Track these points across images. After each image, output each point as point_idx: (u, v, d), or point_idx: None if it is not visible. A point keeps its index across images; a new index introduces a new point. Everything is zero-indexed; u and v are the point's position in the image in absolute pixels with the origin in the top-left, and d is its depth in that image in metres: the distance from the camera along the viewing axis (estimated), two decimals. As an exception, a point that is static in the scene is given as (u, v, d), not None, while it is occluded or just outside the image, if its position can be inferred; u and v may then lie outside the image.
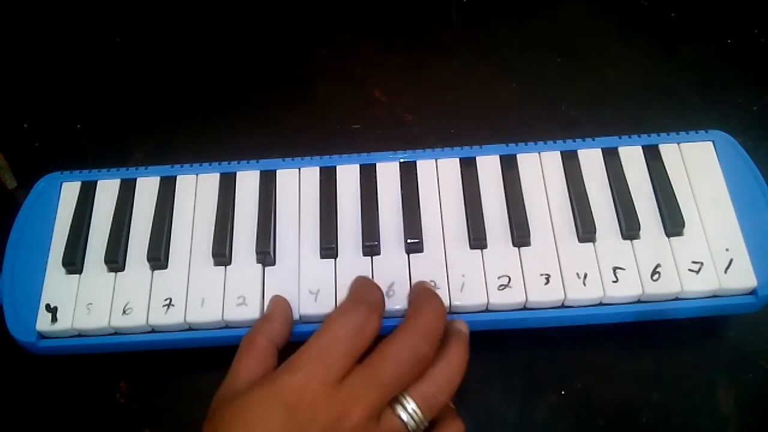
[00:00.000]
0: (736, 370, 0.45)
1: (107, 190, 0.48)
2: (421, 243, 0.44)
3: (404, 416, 0.36)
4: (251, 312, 0.43)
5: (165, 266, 0.45)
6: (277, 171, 0.48)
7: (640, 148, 0.47)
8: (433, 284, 0.43)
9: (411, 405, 0.36)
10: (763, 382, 0.45)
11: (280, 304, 0.42)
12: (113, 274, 0.45)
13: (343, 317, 0.37)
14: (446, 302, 0.42)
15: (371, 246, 0.44)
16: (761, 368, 0.45)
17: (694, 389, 0.45)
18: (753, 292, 0.42)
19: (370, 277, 0.44)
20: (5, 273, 0.46)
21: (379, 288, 0.41)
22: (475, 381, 0.45)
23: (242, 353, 0.38)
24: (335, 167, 0.48)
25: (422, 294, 0.41)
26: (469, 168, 0.47)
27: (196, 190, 0.48)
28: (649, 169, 0.47)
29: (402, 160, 0.48)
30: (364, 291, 0.40)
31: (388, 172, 0.47)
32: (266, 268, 0.45)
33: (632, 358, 0.46)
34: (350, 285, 0.42)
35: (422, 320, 0.38)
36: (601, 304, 0.43)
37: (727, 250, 0.43)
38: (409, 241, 0.44)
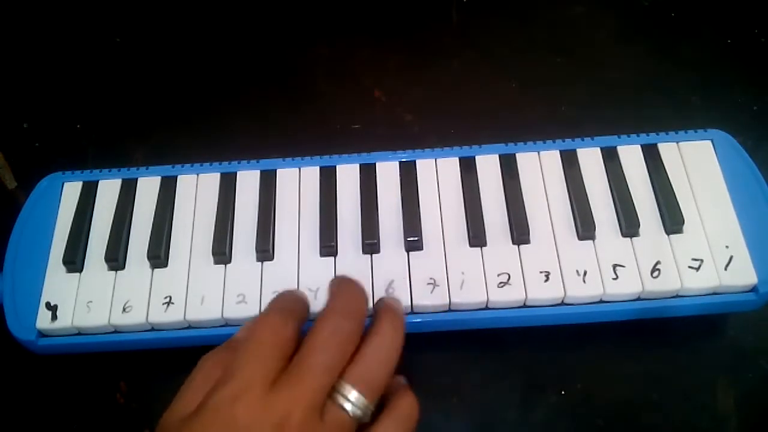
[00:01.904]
0: (736, 369, 0.45)
1: (108, 190, 0.48)
2: (420, 241, 0.44)
3: (347, 406, 0.34)
4: (251, 310, 0.43)
5: (165, 264, 0.45)
6: (277, 171, 0.48)
7: (640, 147, 0.47)
8: (432, 281, 0.43)
9: (351, 393, 0.34)
10: (763, 382, 0.45)
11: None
12: (113, 272, 0.45)
13: (258, 329, 0.36)
14: (446, 300, 0.43)
15: (371, 244, 0.44)
16: (761, 368, 0.45)
17: (694, 389, 0.45)
18: (753, 289, 0.42)
19: (370, 275, 0.44)
20: (6, 272, 0.46)
21: (300, 297, 0.39)
22: (475, 381, 0.45)
23: (195, 377, 0.36)
24: (335, 167, 0.48)
25: (336, 281, 0.39)
26: (468, 167, 0.47)
27: (197, 189, 0.48)
28: (648, 168, 0.47)
29: (402, 160, 0.48)
30: (284, 300, 0.39)
31: (388, 172, 0.48)
32: (266, 267, 0.45)
33: (632, 358, 0.46)
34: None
35: (338, 301, 0.37)
36: (601, 301, 0.43)
37: (727, 247, 0.43)
38: (408, 238, 0.44)
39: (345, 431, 0.34)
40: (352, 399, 0.34)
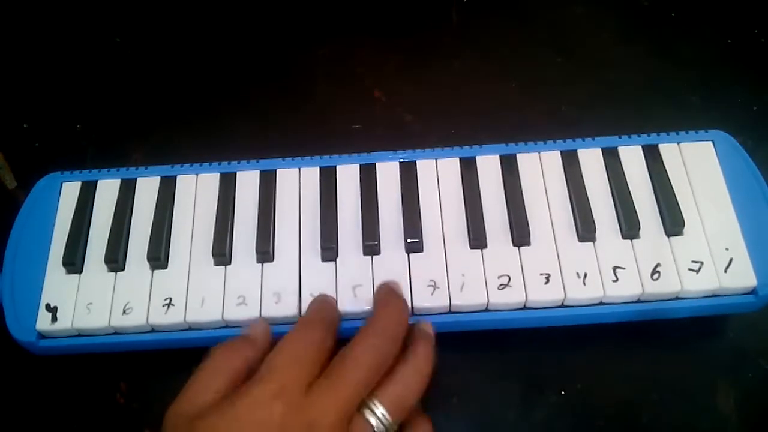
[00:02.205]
0: (736, 370, 0.45)
1: (107, 190, 0.48)
2: (421, 242, 0.44)
3: (373, 421, 0.35)
4: (251, 312, 0.43)
5: (165, 266, 0.45)
6: (277, 171, 0.48)
7: (640, 147, 0.47)
8: (433, 283, 0.43)
9: (379, 409, 0.36)
10: (763, 382, 0.45)
11: (263, 330, 0.41)
12: (113, 273, 0.45)
13: (301, 333, 0.38)
14: (446, 302, 0.43)
15: (371, 245, 0.44)
16: (761, 368, 0.45)
17: (694, 389, 0.45)
18: (753, 292, 0.42)
19: (371, 277, 0.44)
20: (5, 273, 0.46)
21: (336, 306, 0.42)
22: (475, 381, 0.46)
23: (214, 367, 0.37)
24: (335, 167, 0.48)
25: (383, 295, 0.41)
26: (469, 168, 0.47)
27: (196, 189, 0.48)
28: (648, 169, 0.47)
29: (402, 160, 0.48)
30: (325, 310, 0.41)
31: (388, 172, 0.48)
32: (266, 268, 0.45)
33: (632, 358, 0.46)
34: (308, 304, 0.42)
35: (381, 321, 0.39)
36: (601, 303, 0.43)
37: (727, 249, 0.43)
38: (409, 240, 0.44)
39: None
40: (379, 415, 0.36)
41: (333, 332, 0.39)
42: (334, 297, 0.43)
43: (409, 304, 0.43)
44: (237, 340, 0.39)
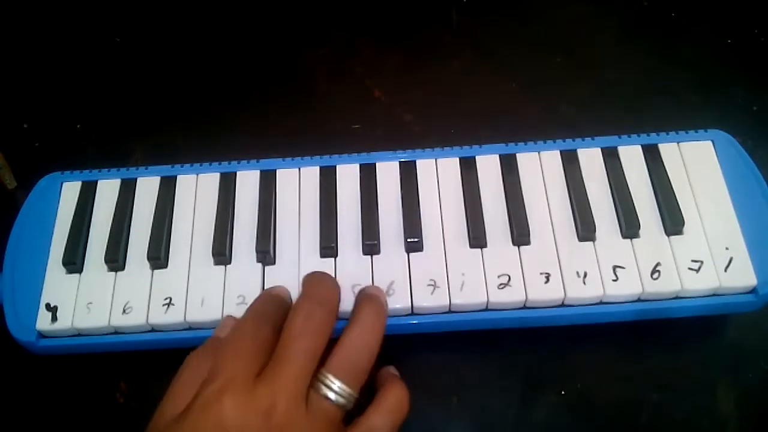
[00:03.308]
0: (736, 370, 0.45)
1: (107, 190, 0.48)
2: (420, 242, 0.44)
3: (330, 394, 0.35)
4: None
5: (165, 265, 0.45)
6: (277, 171, 0.48)
7: (640, 147, 0.47)
8: (433, 283, 0.43)
9: (333, 382, 0.35)
10: (763, 382, 0.45)
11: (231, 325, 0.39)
12: (113, 273, 0.45)
13: (238, 328, 0.37)
14: (446, 301, 0.43)
15: (371, 245, 0.44)
16: (761, 368, 0.45)
17: (694, 389, 0.45)
18: (753, 291, 0.42)
19: (370, 276, 0.44)
20: (5, 272, 0.46)
21: (275, 297, 0.40)
22: (475, 381, 0.46)
23: (184, 378, 0.37)
24: (335, 167, 0.48)
25: (310, 274, 0.40)
26: (468, 167, 0.47)
27: (196, 189, 0.48)
28: (648, 169, 0.47)
29: (402, 160, 0.48)
30: (260, 304, 0.40)
31: (388, 172, 0.48)
32: (266, 268, 0.45)
33: (632, 358, 0.46)
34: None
35: (308, 289, 0.38)
36: (601, 302, 0.43)
37: (726, 248, 0.43)
38: (408, 240, 0.44)
39: (330, 419, 0.35)
40: (334, 388, 0.35)
41: (269, 322, 0.37)
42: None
43: (409, 304, 0.43)
44: (206, 344, 0.39)
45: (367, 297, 0.39)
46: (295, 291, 0.43)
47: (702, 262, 0.43)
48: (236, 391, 0.33)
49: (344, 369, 0.35)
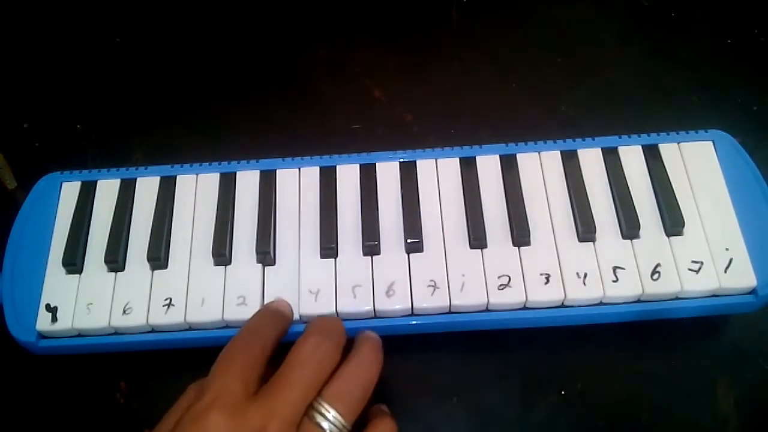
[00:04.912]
0: (736, 370, 0.45)
1: (107, 190, 0.48)
2: (421, 243, 0.44)
3: (324, 424, 0.35)
4: (251, 312, 0.42)
5: (165, 266, 0.45)
6: (277, 171, 0.48)
7: (640, 147, 0.47)
8: (433, 283, 0.43)
9: (328, 411, 0.35)
10: (763, 382, 0.45)
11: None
12: (113, 273, 0.45)
13: (232, 344, 0.37)
14: (446, 302, 0.43)
15: (371, 246, 0.44)
16: (761, 368, 0.45)
17: (694, 389, 0.45)
18: (753, 292, 0.42)
19: (371, 277, 0.44)
20: (5, 273, 0.46)
21: (271, 316, 0.41)
22: (475, 381, 0.46)
23: (179, 402, 0.37)
24: (335, 167, 0.48)
25: (315, 318, 0.41)
26: (469, 168, 0.47)
27: (196, 189, 0.48)
28: (649, 169, 0.47)
29: (402, 160, 0.48)
30: (254, 322, 0.40)
31: (388, 172, 0.47)
32: (266, 268, 0.45)
33: (632, 358, 0.46)
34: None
35: (318, 321, 0.39)
36: (601, 303, 0.43)
37: (726, 249, 0.43)
38: (409, 240, 0.44)
39: None
40: (329, 417, 0.35)
41: (260, 343, 0.38)
42: (333, 298, 0.43)
43: (410, 305, 0.43)
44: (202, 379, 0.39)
45: (367, 336, 0.40)
46: (295, 292, 0.43)
47: (702, 263, 0.43)
48: (225, 405, 0.33)
49: (341, 399, 0.35)
